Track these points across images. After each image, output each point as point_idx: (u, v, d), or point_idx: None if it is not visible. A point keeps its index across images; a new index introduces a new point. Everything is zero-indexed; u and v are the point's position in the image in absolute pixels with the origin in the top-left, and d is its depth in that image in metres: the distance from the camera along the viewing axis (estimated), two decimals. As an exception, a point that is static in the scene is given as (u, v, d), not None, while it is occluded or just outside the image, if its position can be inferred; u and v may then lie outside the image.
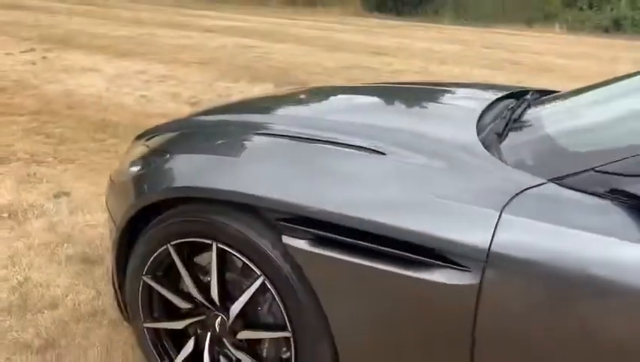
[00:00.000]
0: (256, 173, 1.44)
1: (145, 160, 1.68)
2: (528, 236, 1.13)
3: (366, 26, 17.64)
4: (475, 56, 10.61)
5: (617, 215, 1.12)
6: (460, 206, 1.20)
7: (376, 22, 20.40)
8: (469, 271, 1.14)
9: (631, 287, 1.05)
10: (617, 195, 1.12)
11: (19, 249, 2.47)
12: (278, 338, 1.46)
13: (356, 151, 1.42)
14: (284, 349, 1.45)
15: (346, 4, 25.08)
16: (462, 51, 12.01)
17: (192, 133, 1.81)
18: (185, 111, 4.23)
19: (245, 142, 1.62)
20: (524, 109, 1.67)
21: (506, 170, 1.28)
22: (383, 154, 1.39)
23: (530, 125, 1.53)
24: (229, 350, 1.53)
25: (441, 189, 1.25)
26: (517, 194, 1.17)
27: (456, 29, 19.71)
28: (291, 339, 1.39)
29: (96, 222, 2.75)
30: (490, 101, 1.79)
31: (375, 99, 2.14)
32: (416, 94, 2.21)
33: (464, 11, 23.00)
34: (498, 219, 1.14)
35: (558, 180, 1.19)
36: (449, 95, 2.17)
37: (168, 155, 1.61)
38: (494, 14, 22.44)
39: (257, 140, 1.63)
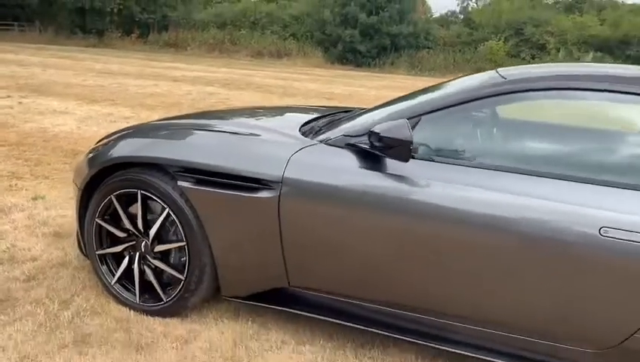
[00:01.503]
0: (164, 145, 2.37)
1: (95, 148, 2.61)
2: (303, 169, 2.09)
3: (324, 76, 19.00)
4: (414, 100, 11.78)
5: (349, 156, 2.08)
6: (274, 156, 2.16)
7: (336, 72, 21.85)
8: (274, 189, 2.09)
9: (358, 191, 2.01)
10: (350, 146, 2.10)
11: (7, 229, 3.32)
12: (179, 248, 2.35)
13: (237, 135, 2.36)
14: (183, 255, 2.35)
15: (309, 57, 26.76)
16: (405, 97, 13.27)
17: (131, 132, 2.73)
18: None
19: (162, 131, 2.56)
20: (339, 117, 2.66)
21: (303, 140, 2.23)
22: (259, 136, 2.34)
23: (334, 124, 2.49)
24: (150, 262, 2.42)
25: (268, 149, 2.21)
26: (300, 149, 2.14)
27: (410, 78, 21.27)
28: (186, 247, 2.30)
29: (65, 214, 3.61)
30: (322, 113, 2.80)
31: (262, 112, 3.15)
32: (283, 110, 3.24)
33: (418, 63, 24.79)
34: (288, 160, 2.10)
35: (325, 142, 2.16)
36: (301, 111, 3.19)
37: (111, 143, 2.54)
38: (446, 66, 24.26)
39: (171, 129, 2.56)
